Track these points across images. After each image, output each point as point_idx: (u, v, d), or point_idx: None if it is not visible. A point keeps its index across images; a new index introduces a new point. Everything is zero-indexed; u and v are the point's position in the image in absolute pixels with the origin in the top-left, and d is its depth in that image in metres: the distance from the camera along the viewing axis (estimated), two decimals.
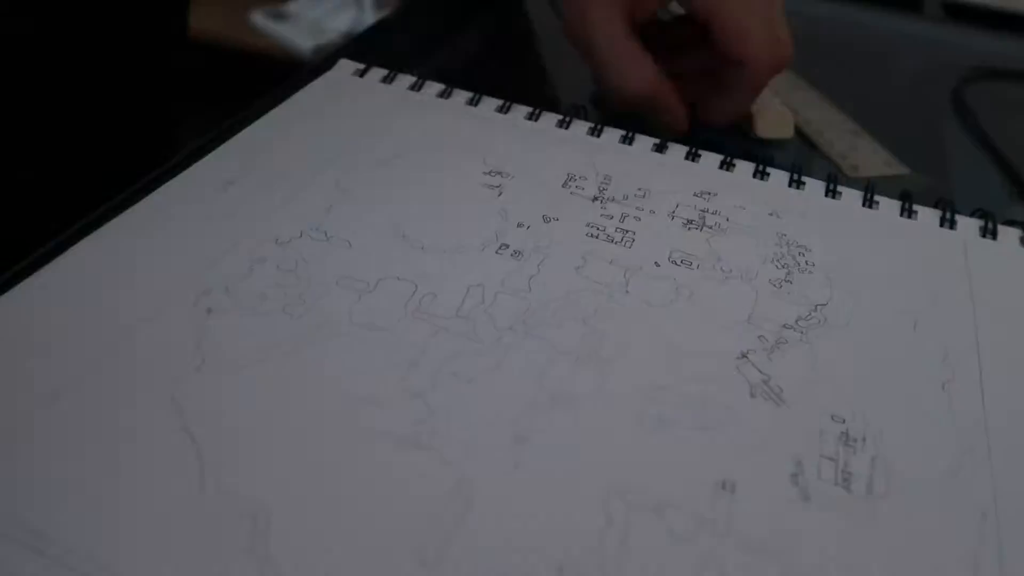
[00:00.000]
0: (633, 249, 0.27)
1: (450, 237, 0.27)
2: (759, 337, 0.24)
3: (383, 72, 0.36)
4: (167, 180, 0.29)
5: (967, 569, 0.18)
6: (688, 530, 0.18)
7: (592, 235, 0.27)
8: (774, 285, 0.26)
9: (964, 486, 0.20)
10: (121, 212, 0.27)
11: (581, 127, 0.33)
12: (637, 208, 0.29)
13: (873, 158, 0.35)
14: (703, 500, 0.19)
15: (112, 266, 0.24)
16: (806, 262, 0.27)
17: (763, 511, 0.19)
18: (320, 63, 0.37)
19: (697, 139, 0.33)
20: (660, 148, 0.32)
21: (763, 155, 0.32)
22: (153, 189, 0.28)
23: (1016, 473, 0.20)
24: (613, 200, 0.29)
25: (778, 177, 0.31)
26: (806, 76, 0.40)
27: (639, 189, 0.30)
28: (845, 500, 0.19)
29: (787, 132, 0.36)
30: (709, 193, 0.30)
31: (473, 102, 0.34)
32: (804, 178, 0.31)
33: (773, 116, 0.35)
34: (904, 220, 0.29)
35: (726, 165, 0.31)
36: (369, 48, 0.41)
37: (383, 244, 0.26)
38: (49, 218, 0.27)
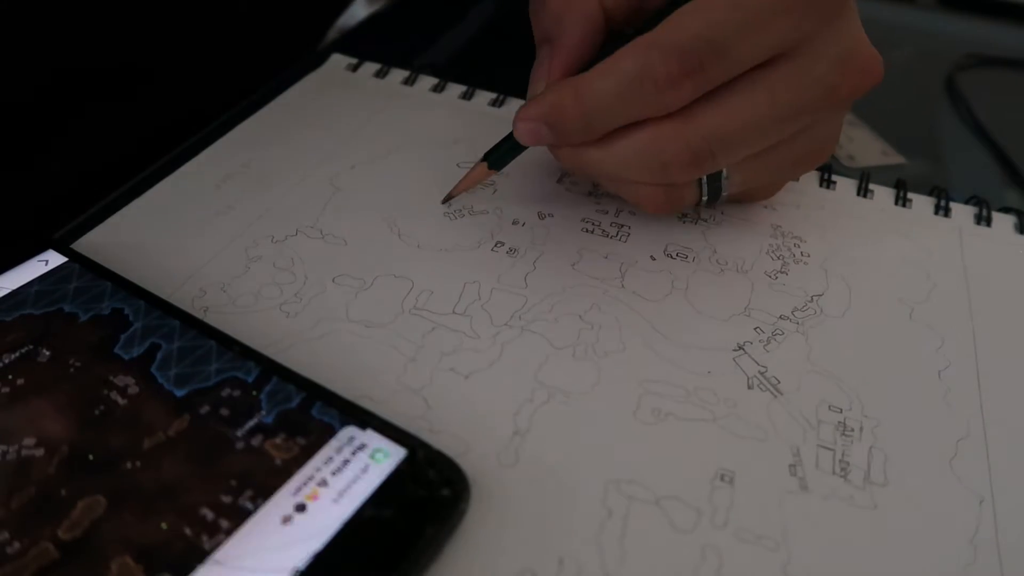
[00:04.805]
0: (629, 243, 0.27)
1: (445, 234, 0.27)
2: (755, 329, 0.24)
3: (376, 67, 0.36)
4: (161, 178, 0.28)
5: (966, 555, 0.18)
6: (688, 521, 0.18)
7: (587, 230, 0.27)
8: (770, 276, 0.26)
9: (961, 473, 0.20)
10: (116, 211, 0.27)
11: None
12: None
13: (870, 148, 0.35)
14: (702, 491, 0.19)
15: (107, 265, 0.24)
16: (801, 253, 0.27)
17: (762, 502, 0.19)
18: (313, 58, 0.37)
19: None
20: None
21: None
22: (147, 187, 0.28)
23: (1013, 459, 0.20)
24: (608, 195, 0.29)
25: None
26: None
27: None
28: (843, 489, 0.19)
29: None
30: None
31: (467, 96, 0.34)
32: None
33: None
34: (899, 209, 0.29)
35: None
36: (362, 42, 0.40)
37: (379, 241, 0.26)
38: (44, 217, 0.27)
